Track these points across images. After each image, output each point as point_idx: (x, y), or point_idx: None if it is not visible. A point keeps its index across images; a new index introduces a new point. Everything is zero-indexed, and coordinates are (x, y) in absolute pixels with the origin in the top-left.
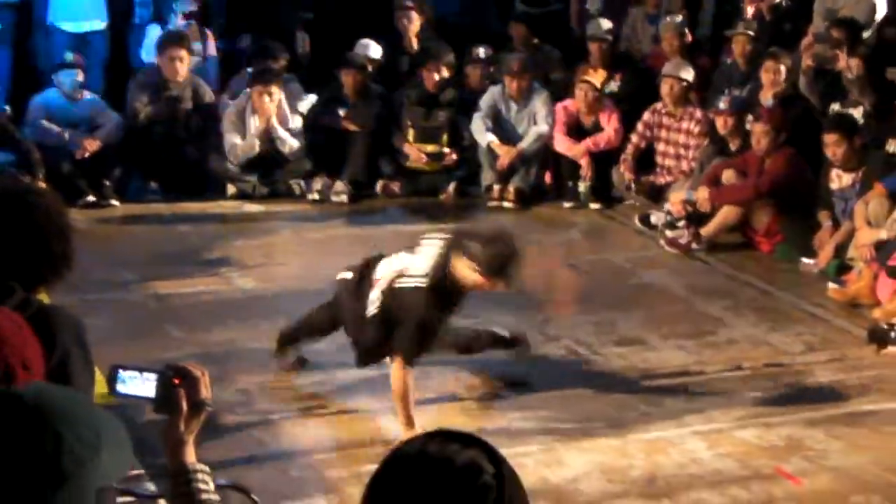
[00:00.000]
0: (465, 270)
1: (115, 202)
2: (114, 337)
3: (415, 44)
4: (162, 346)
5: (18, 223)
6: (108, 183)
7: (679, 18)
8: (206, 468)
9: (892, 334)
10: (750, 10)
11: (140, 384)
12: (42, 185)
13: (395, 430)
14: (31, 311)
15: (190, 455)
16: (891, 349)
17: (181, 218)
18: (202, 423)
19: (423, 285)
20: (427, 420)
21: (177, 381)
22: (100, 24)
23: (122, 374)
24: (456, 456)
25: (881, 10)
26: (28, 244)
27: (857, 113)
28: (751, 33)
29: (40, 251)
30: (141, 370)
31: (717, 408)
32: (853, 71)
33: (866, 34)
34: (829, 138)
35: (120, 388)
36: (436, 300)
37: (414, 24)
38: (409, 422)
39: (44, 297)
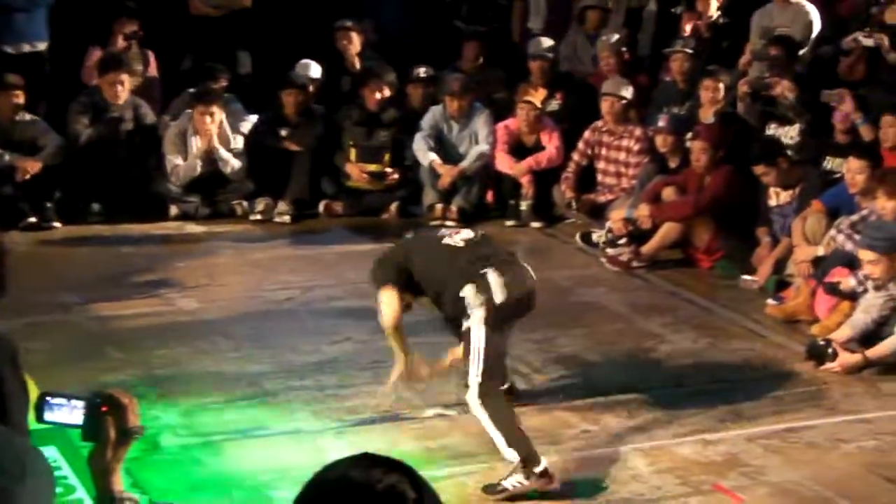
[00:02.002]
0: None
1: (56, 224)
2: (55, 359)
3: (357, 63)
4: (104, 368)
5: None
6: (49, 205)
7: (615, 37)
8: (134, 496)
9: (830, 350)
10: (688, 28)
11: (68, 412)
12: None
13: (335, 449)
14: None
15: (117, 483)
16: (828, 365)
17: (123, 239)
18: (129, 449)
19: None
20: (368, 441)
21: (104, 409)
22: (41, 45)
23: (50, 401)
24: (377, 481)
25: (817, 27)
26: None
27: (794, 131)
28: (689, 51)
29: None
30: (69, 397)
31: (657, 424)
32: (788, 94)
33: (802, 51)
34: (757, 169)
35: (48, 415)
36: None
37: (354, 44)
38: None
39: None
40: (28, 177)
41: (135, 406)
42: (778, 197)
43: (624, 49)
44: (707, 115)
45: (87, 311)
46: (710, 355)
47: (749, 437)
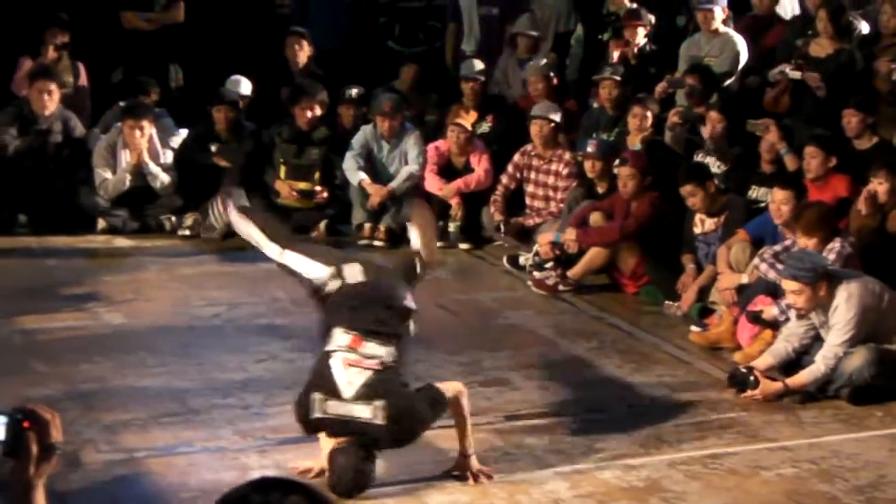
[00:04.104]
0: None
1: None
2: None
3: (301, 72)
4: (27, 382)
5: None
6: None
7: (544, 61)
8: None
9: (751, 378)
10: (615, 55)
11: None
12: None
13: (259, 467)
14: None
15: (39, 500)
16: (749, 393)
17: (50, 252)
18: (53, 466)
19: None
20: (291, 459)
21: (26, 425)
22: None
23: None
24: (277, 502)
25: (743, 58)
26: None
27: (720, 162)
28: (617, 78)
29: None
30: None
31: (579, 449)
32: (711, 125)
33: (729, 82)
34: (684, 190)
35: None
36: None
37: (304, 51)
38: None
39: None
40: None
41: (57, 421)
42: (703, 224)
43: (552, 74)
44: (634, 142)
45: (11, 324)
46: (634, 380)
47: (671, 463)
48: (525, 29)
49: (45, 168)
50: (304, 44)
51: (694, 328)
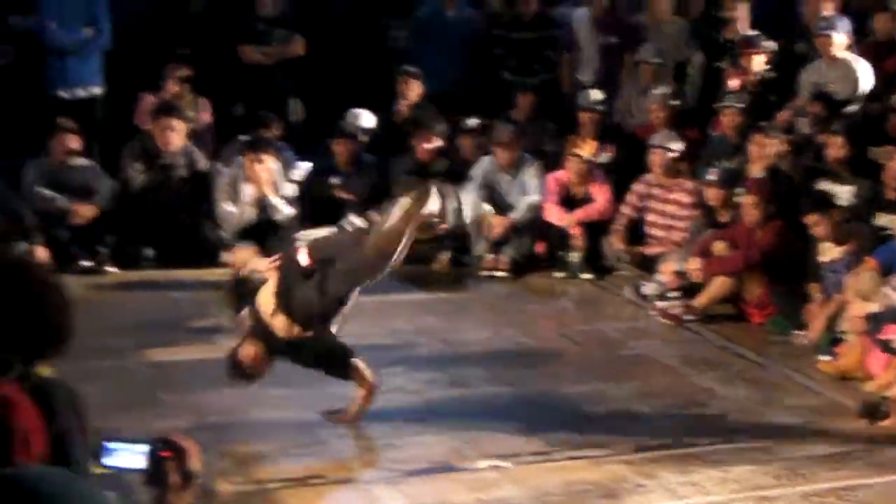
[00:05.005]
0: None
1: (110, 268)
2: (108, 405)
3: (405, 111)
4: (156, 414)
5: (15, 297)
6: (103, 249)
7: (666, 89)
8: None
9: (883, 408)
10: (733, 83)
11: (128, 456)
12: (40, 250)
13: (389, 498)
14: (30, 383)
15: None
16: (882, 422)
17: (175, 285)
18: (193, 494)
19: None
20: (420, 491)
21: (166, 455)
22: (95, 89)
23: (108, 446)
24: None
25: (866, 84)
26: (26, 318)
27: (846, 190)
28: (740, 106)
29: (38, 324)
30: (128, 442)
31: (712, 481)
32: (834, 151)
33: (852, 108)
34: (809, 219)
35: (107, 460)
36: None
37: (413, 91)
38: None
39: (43, 370)
40: (82, 221)
41: (195, 450)
42: (829, 253)
43: (675, 102)
44: (756, 170)
45: (139, 357)
46: (763, 411)
47: (804, 495)
48: (649, 57)
49: (170, 202)
50: (415, 84)
51: (823, 357)
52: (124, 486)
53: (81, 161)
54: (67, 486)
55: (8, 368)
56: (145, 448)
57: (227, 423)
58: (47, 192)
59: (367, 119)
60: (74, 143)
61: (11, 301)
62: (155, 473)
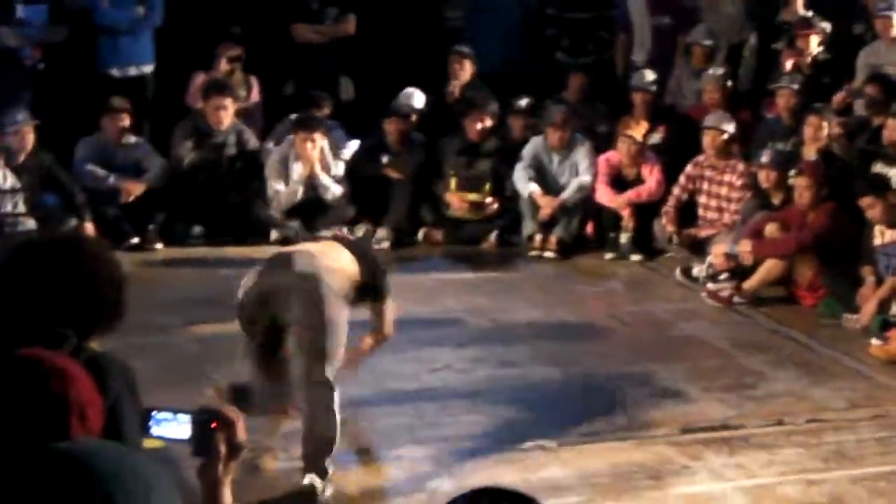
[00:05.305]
0: None
1: (159, 246)
2: (155, 380)
3: (457, 92)
4: (203, 390)
5: (71, 271)
6: (152, 226)
7: (721, 70)
8: None
9: None
10: (788, 65)
11: (174, 426)
12: (89, 227)
13: (435, 478)
14: (84, 357)
15: (227, 497)
16: None
17: (224, 262)
18: (239, 465)
19: None
20: (467, 471)
21: (214, 425)
22: (146, 68)
23: (156, 416)
24: None
25: None
26: (80, 292)
27: None
28: (795, 87)
29: (92, 299)
30: (175, 412)
31: (759, 463)
32: (891, 133)
33: None
34: (864, 201)
35: (154, 430)
36: None
37: (465, 70)
38: None
39: (94, 344)
40: (132, 198)
41: (242, 422)
42: (883, 236)
43: (729, 83)
44: (810, 153)
45: (187, 333)
46: (813, 394)
47: (853, 479)
48: (701, 39)
49: (220, 180)
50: (467, 63)
51: (875, 341)
52: (170, 458)
53: (132, 139)
54: (121, 461)
55: (63, 342)
56: (192, 418)
57: None
58: (98, 170)
59: (419, 99)
60: (125, 121)
61: (67, 275)
62: (203, 443)
